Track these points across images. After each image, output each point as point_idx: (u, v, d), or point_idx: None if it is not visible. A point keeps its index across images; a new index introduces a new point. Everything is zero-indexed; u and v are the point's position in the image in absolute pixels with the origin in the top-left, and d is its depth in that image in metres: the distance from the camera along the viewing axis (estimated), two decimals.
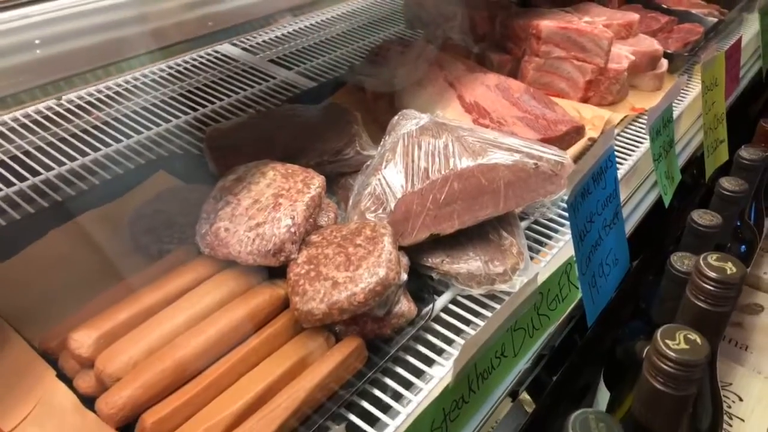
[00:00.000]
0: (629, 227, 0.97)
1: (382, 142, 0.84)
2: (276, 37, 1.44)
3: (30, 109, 1.06)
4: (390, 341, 0.68)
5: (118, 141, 1.01)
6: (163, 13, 0.52)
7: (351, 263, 0.65)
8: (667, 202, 1.03)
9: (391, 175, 0.76)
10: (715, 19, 1.48)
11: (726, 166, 1.18)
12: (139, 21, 0.50)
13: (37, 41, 0.45)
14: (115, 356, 0.59)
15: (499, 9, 1.27)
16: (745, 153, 0.98)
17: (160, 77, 1.21)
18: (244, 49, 1.37)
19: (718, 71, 1.17)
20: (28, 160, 0.95)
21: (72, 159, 0.97)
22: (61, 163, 0.96)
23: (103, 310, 0.64)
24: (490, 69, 1.16)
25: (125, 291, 0.67)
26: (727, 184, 0.89)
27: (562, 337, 0.82)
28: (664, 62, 1.28)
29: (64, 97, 1.08)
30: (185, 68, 1.26)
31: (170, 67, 1.25)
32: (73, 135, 1.02)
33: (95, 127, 1.04)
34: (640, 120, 1.18)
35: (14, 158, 0.96)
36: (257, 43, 1.41)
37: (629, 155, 1.07)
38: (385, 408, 0.64)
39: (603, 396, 0.85)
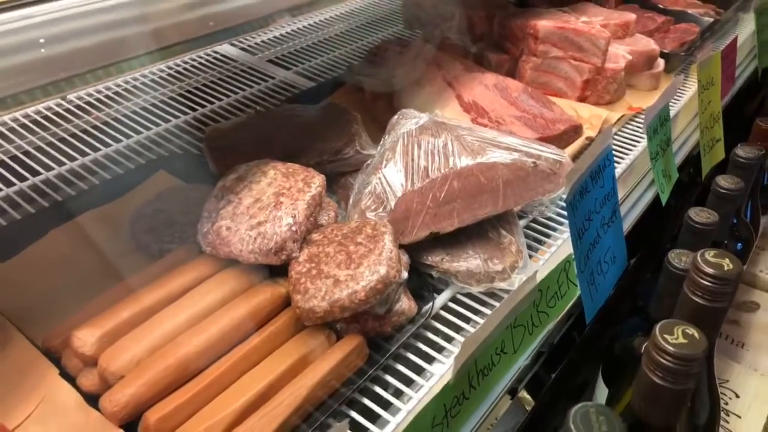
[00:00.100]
0: (627, 225, 0.98)
1: (382, 142, 0.84)
2: (274, 37, 1.45)
3: (30, 110, 1.06)
4: (391, 339, 0.68)
5: (118, 141, 1.02)
6: (165, 14, 0.53)
7: (352, 261, 0.66)
8: (664, 200, 1.04)
9: (391, 174, 0.77)
10: (711, 19, 1.49)
11: (722, 164, 1.19)
12: (141, 21, 0.51)
13: (41, 40, 0.45)
14: (118, 354, 0.59)
15: (496, 9, 1.28)
16: (741, 151, 0.99)
17: (160, 77, 1.21)
18: (242, 49, 1.38)
19: (714, 71, 1.18)
20: (28, 160, 0.96)
21: (72, 159, 0.97)
22: (61, 163, 0.96)
23: (105, 309, 0.64)
24: (488, 69, 1.16)
25: (127, 290, 0.67)
26: (724, 182, 0.90)
27: (560, 334, 0.83)
28: (661, 62, 1.29)
29: (60, 96, 1.08)
30: (184, 68, 1.26)
31: (169, 68, 1.25)
32: (73, 135, 1.03)
33: (95, 127, 1.05)
34: (637, 119, 1.18)
35: (14, 158, 0.96)
36: (256, 44, 1.41)
37: (627, 154, 1.08)
38: (387, 405, 0.64)
39: (601, 392, 0.86)
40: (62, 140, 1.01)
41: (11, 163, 0.95)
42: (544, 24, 1.16)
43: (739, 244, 1.12)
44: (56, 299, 0.69)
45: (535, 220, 0.91)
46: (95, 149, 0.99)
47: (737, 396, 1.04)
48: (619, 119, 1.15)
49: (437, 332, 0.72)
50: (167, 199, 0.83)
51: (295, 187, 0.72)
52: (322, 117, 0.96)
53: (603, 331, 0.97)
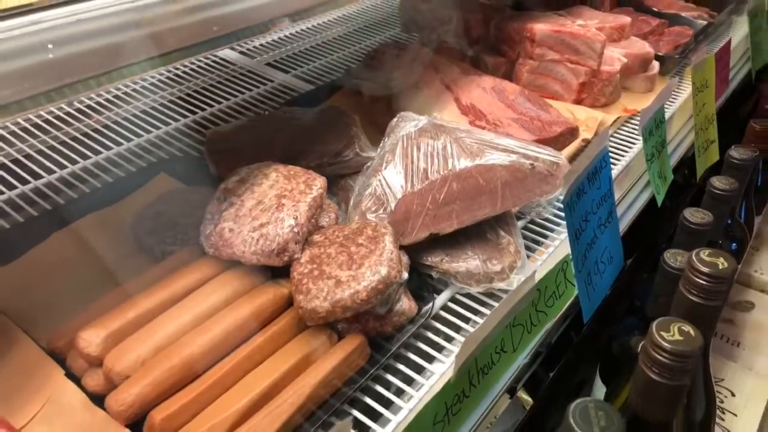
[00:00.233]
0: (623, 226, 0.99)
1: (381, 144, 0.85)
2: (273, 40, 1.46)
3: (31, 113, 1.06)
4: (391, 338, 0.69)
5: (119, 144, 1.03)
6: (170, 19, 0.53)
7: (353, 262, 0.67)
8: (659, 201, 1.05)
9: (391, 175, 0.78)
10: (705, 22, 1.51)
11: (717, 165, 1.21)
12: (145, 26, 0.51)
13: (50, 46, 0.46)
14: (123, 354, 0.60)
15: (493, 12, 1.29)
16: (736, 153, 1.00)
17: (159, 81, 1.22)
18: (241, 52, 1.39)
19: (709, 73, 1.19)
20: (30, 164, 0.96)
21: (74, 162, 0.98)
22: (63, 167, 0.96)
23: (109, 310, 0.65)
24: (484, 72, 1.17)
25: (131, 291, 0.68)
26: (718, 183, 0.91)
27: (558, 334, 0.84)
28: (656, 64, 1.30)
29: (64, 101, 1.09)
30: (183, 72, 1.27)
31: (169, 71, 1.26)
32: (75, 138, 1.03)
33: (96, 131, 1.05)
34: (632, 121, 1.20)
35: (16, 162, 0.97)
36: (254, 47, 1.42)
37: (622, 156, 1.09)
38: (388, 404, 0.65)
39: (599, 390, 0.87)
40: (64, 143, 1.02)
41: (13, 166, 0.95)
42: (541, 27, 1.17)
43: (734, 244, 1.14)
44: (60, 301, 0.70)
45: (532, 221, 0.92)
46: (97, 152, 1.00)
47: (733, 394, 1.05)
48: (614, 121, 1.17)
49: (437, 332, 0.73)
50: (169, 201, 0.84)
51: (296, 189, 0.73)
52: (321, 120, 0.97)
53: (600, 331, 0.98)
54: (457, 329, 0.74)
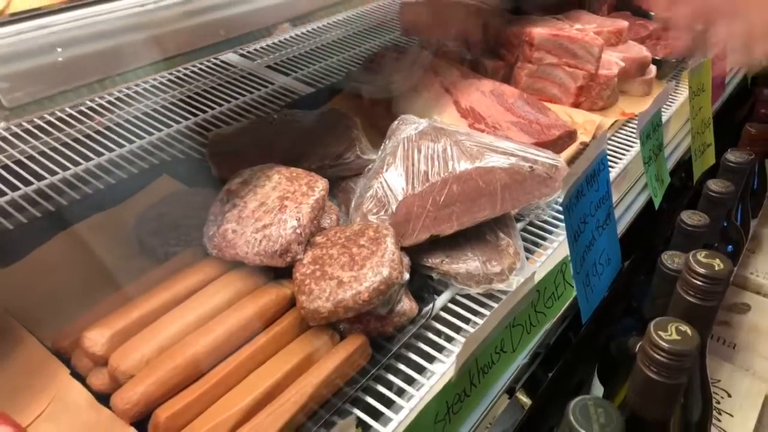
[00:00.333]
0: (621, 228, 1.00)
1: (382, 146, 0.86)
2: (273, 43, 1.47)
3: (34, 115, 1.07)
4: (392, 339, 0.70)
5: (121, 146, 1.03)
6: (178, 23, 0.54)
7: (355, 263, 0.68)
8: (657, 203, 1.06)
9: (392, 178, 0.79)
10: None
11: (713, 168, 1.22)
12: (154, 29, 0.52)
13: (59, 49, 0.46)
14: (128, 354, 0.61)
15: (492, 17, 1.30)
16: (732, 156, 1.01)
17: (161, 83, 1.23)
18: (242, 55, 1.39)
19: (705, 77, 1.20)
20: (33, 165, 0.97)
21: (77, 164, 0.98)
22: (66, 168, 0.97)
23: (113, 310, 0.66)
24: (483, 75, 1.19)
25: (135, 292, 0.69)
26: (715, 186, 0.92)
27: (557, 334, 0.84)
28: (653, 68, 1.31)
29: (68, 104, 1.10)
30: (185, 74, 1.28)
31: (171, 74, 1.27)
32: (77, 140, 1.04)
33: (99, 133, 1.06)
34: (630, 124, 1.21)
35: (19, 163, 0.97)
36: (255, 50, 1.43)
37: (620, 158, 1.10)
38: (389, 403, 0.66)
39: (597, 390, 0.88)
40: (66, 145, 1.02)
41: (17, 167, 0.96)
42: (539, 31, 1.18)
43: (730, 246, 1.15)
44: (64, 302, 0.70)
45: (531, 223, 0.92)
46: (99, 154, 1.01)
47: (729, 395, 1.06)
48: (612, 125, 1.18)
49: (438, 332, 0.74)
50: (171, 203, 0.85)
51: (299, 190, 0.74)
52: (322, 122, 0.98)
53: (598, 332, 0.99)
54: (458, 330, 0.75)
